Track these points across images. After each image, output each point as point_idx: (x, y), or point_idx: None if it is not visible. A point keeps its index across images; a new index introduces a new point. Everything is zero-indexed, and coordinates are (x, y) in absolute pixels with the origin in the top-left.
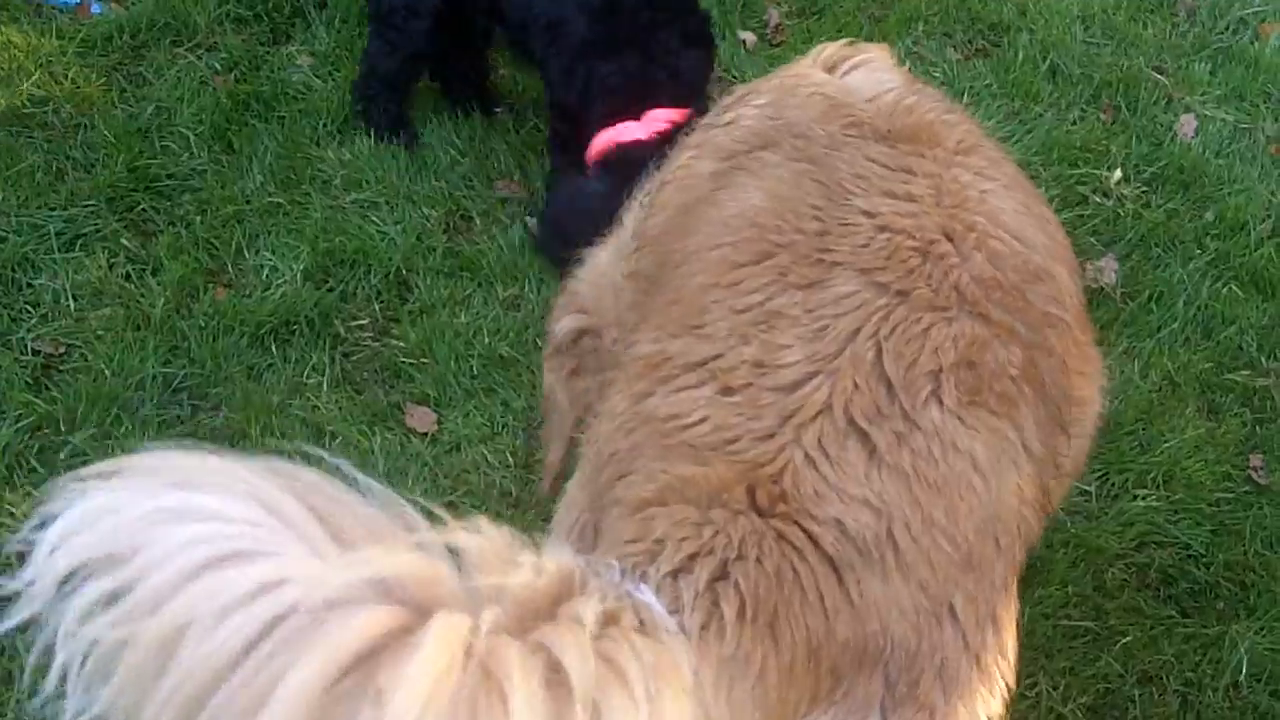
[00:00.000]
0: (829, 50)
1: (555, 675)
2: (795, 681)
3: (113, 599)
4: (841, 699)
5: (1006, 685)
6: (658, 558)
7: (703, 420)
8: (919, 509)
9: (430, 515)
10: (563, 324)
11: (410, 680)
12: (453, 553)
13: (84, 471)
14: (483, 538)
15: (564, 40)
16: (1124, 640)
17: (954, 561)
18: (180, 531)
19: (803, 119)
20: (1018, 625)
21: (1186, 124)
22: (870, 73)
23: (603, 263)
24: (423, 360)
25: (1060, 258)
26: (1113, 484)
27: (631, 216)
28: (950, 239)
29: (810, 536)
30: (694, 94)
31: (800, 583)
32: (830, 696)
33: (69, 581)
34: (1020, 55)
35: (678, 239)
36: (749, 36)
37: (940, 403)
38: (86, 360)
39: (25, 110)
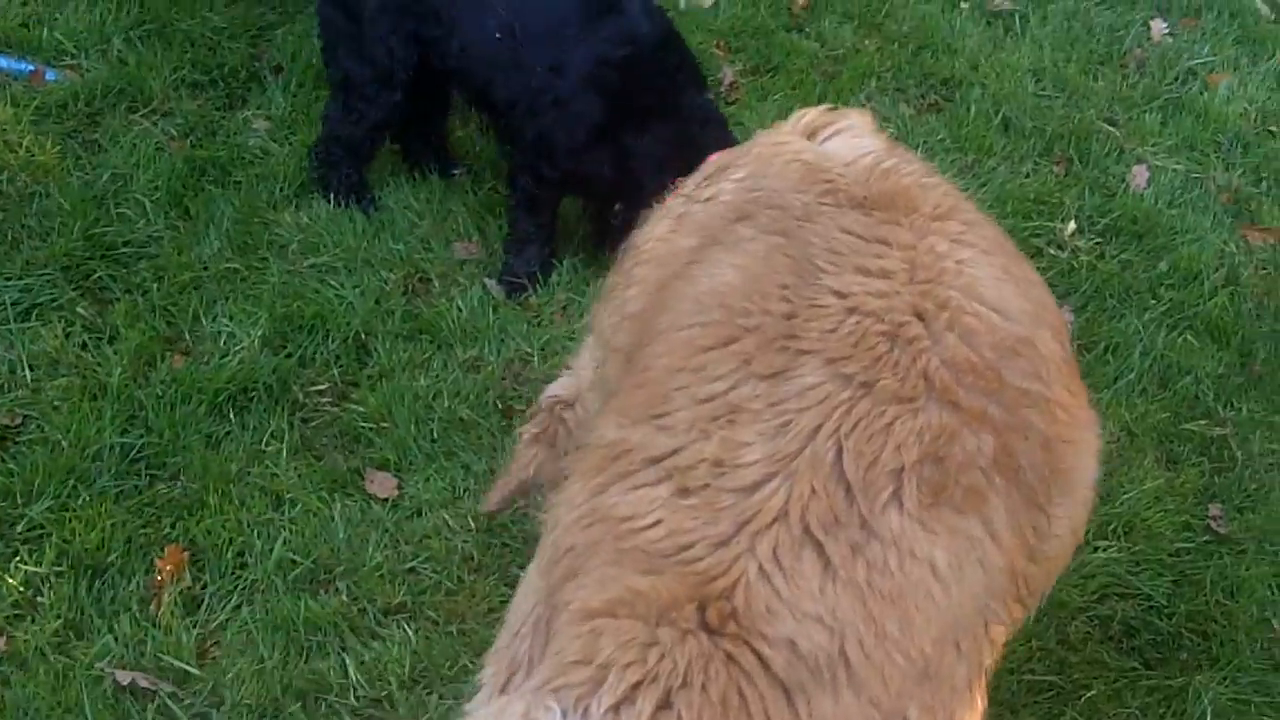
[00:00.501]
0: (809, 116)
1: None
2: None
3: None
4: None
5: None
6: (601, 687)
7: (658, 523)
8: (872, 624)
9: None
10: (553, 385)
11: None
12: None
13: None
14: None
15: (575, 118)
16: (1088, 694)
17: (909, 675)
18: None
19: (780, 187)
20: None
21: (1139, 175)
22: (849, 138)
23: (600, 322)
24: (382, 425)
25: (1044, 321)
26: None
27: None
28: (922, 319)
29: (760, 659)
30: (725, 128)
31: (748, 708)
32: None
33: None
34: (973, 110)
35: (653, 315)
36: None
37: (900, 506)
38: (43, 431)
39: None
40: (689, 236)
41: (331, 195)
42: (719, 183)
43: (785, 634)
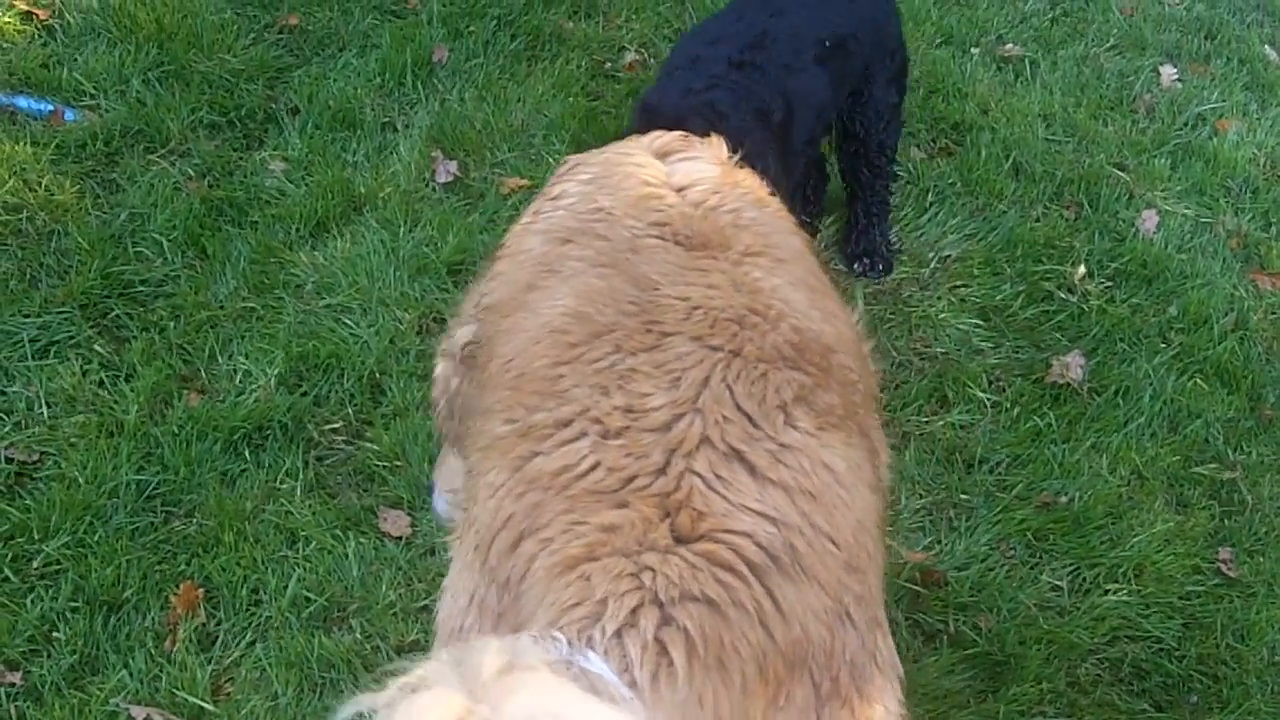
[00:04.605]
0: (666, 138)
1: None
2: (750, 698)
3: None
4: (785, 705)
5: (900, 681)
6: (602, 618)
7: (596, 466)
8: (805, 518)
9: None
10: (461, 332)
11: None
12: None
13: None
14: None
15: None
16: None
17: (841, 563)
18: None
19: (615, 205)
20: None
21: (1148, 219)
22: (695, 164)
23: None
24: (396, 463)
25: (847, 349)
26: (1084, 579)
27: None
28: (757, 314)
29: (735, 550)
30: None
31: (736, 597)
32: (776, 704)
33: None
34: (983, 154)
35: (503, 334)
36: None
37: (796, 428)
38: (60, 468)
39: None
40: (535, 237)
41: None
42: (565, 182)
43: (745, 528)
